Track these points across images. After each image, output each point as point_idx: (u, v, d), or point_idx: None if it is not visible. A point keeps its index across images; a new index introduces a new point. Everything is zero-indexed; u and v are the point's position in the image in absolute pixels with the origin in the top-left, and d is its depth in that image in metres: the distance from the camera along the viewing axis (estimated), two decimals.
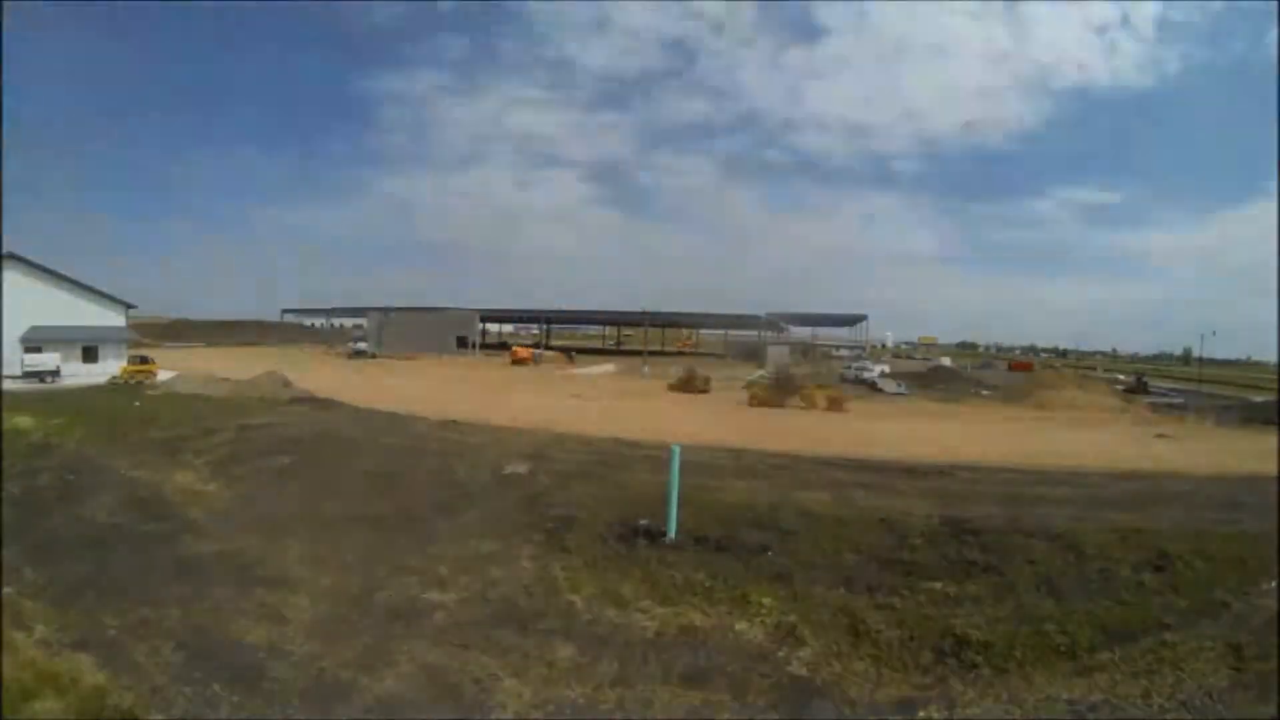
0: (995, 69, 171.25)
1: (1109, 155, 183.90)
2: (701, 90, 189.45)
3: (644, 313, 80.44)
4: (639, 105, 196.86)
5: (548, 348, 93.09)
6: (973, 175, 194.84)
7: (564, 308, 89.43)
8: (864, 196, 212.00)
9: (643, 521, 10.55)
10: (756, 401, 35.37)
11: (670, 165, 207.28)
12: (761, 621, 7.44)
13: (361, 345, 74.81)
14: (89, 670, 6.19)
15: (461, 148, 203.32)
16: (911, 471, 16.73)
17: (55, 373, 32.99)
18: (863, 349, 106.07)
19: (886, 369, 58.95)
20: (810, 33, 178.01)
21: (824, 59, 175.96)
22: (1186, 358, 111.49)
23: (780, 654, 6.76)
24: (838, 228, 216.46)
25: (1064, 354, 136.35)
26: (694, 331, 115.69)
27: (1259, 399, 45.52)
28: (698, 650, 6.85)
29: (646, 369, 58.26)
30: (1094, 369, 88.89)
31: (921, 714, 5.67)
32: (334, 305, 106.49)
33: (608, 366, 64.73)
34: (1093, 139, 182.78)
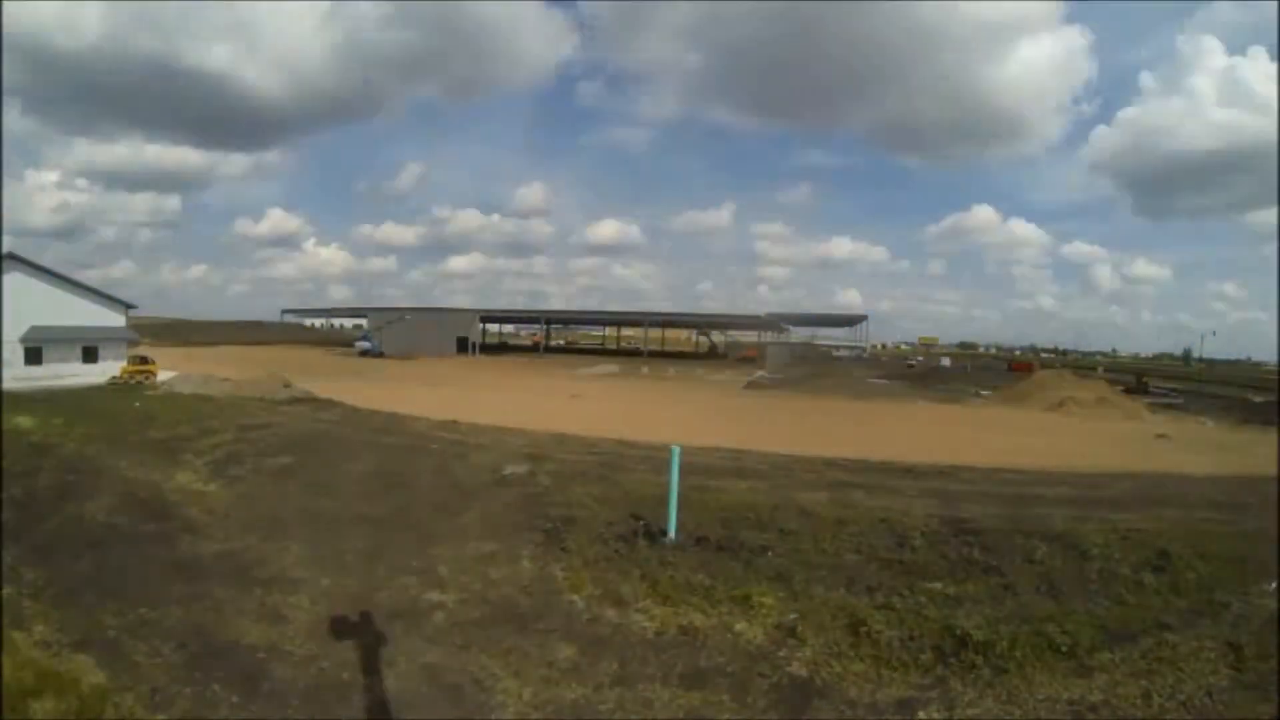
0: None
1: None
2: None
3: (644, 313, 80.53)
4: None
5: (548, 348, 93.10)
6: None
7: (564, 308, 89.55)
8: None
9: None
10: None
11: None
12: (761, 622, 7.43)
13: (366, 344, 74.08)
14: (89, 670, 6.19)
15: None
16: None
17: None
18: (863, 349, 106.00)
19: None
20: None
21: None
22: (1187, 358, 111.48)
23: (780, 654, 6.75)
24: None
25: (1064, 354, 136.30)
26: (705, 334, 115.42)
27: (1259, 399, 45.48)
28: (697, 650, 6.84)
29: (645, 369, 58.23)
30: (1094, 369, 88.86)
31: (921, 714, 5.66)
32: (334, 306, 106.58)
33: (609, 368, 64.52)
34: None
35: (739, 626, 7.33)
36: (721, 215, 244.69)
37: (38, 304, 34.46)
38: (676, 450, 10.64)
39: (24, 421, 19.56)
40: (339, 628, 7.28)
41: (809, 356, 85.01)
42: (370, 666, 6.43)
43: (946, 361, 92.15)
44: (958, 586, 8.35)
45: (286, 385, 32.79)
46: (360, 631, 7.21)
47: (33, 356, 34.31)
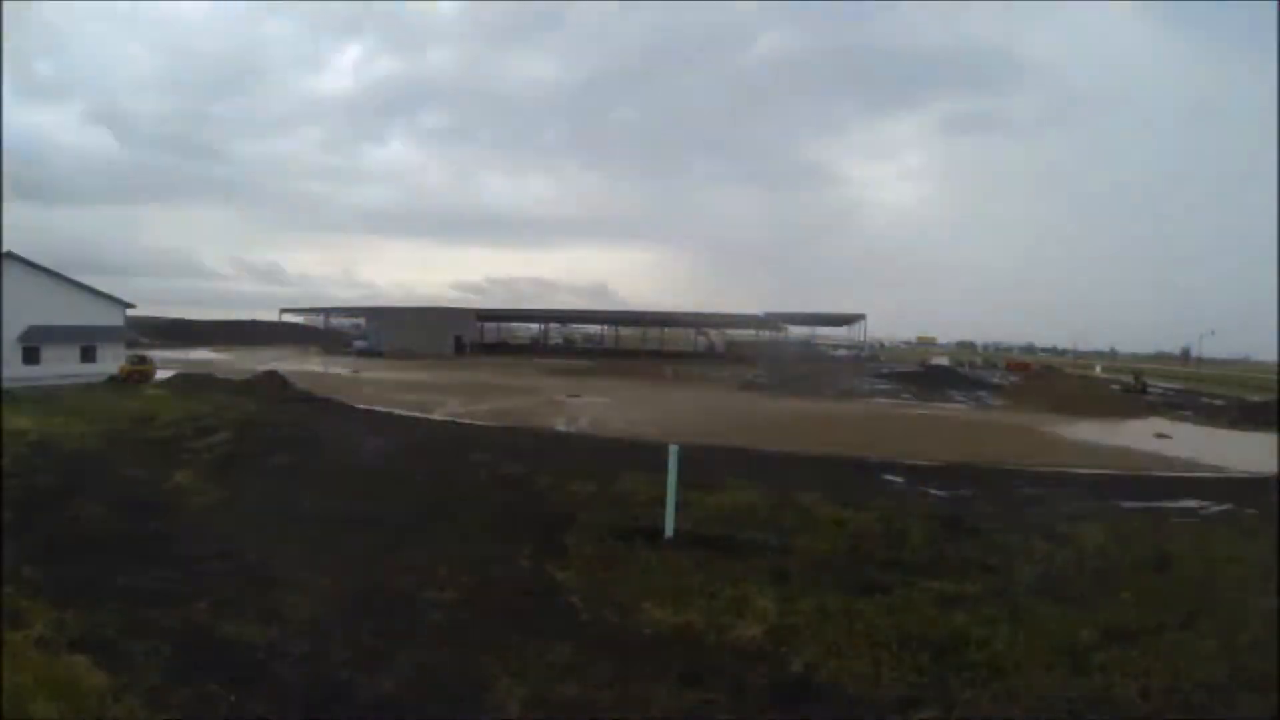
0: None
1: None
2: None
3: (644, 313, 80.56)
4: None
5: (546, 347, 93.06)
6: None
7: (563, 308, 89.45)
8: None
9: None
10: None
11: None
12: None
13: (363, 344, 73.68)
14: (89, 670, 6.17)
15: None
16: None
17: None
18: (861, 349, 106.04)
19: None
20: None
21: None
22: (1185, 357, 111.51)
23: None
24: None
25: (1063, 353, 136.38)
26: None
27: (1258, 399, 45.55)
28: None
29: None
30: (1092, 367, 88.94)
31: (920, 714, 5.66)
32: (333, 305, 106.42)
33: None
34: None
35: (738, 626, 7.32)
36: None
37: (36, 303, 34.40)
38: (675, 450, 10.62)
39: (23, 421, 19.52)
40: (338, 627, 7.27)
41: (807, 357, 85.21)
42: (369, 665, 6.42)
43: (945, 361, 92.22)
44: (957, 586, 8.35)
45: (285, 385, 32.80)
46: (360, 630, 7.20)
47: (31, 356, 34.26)
